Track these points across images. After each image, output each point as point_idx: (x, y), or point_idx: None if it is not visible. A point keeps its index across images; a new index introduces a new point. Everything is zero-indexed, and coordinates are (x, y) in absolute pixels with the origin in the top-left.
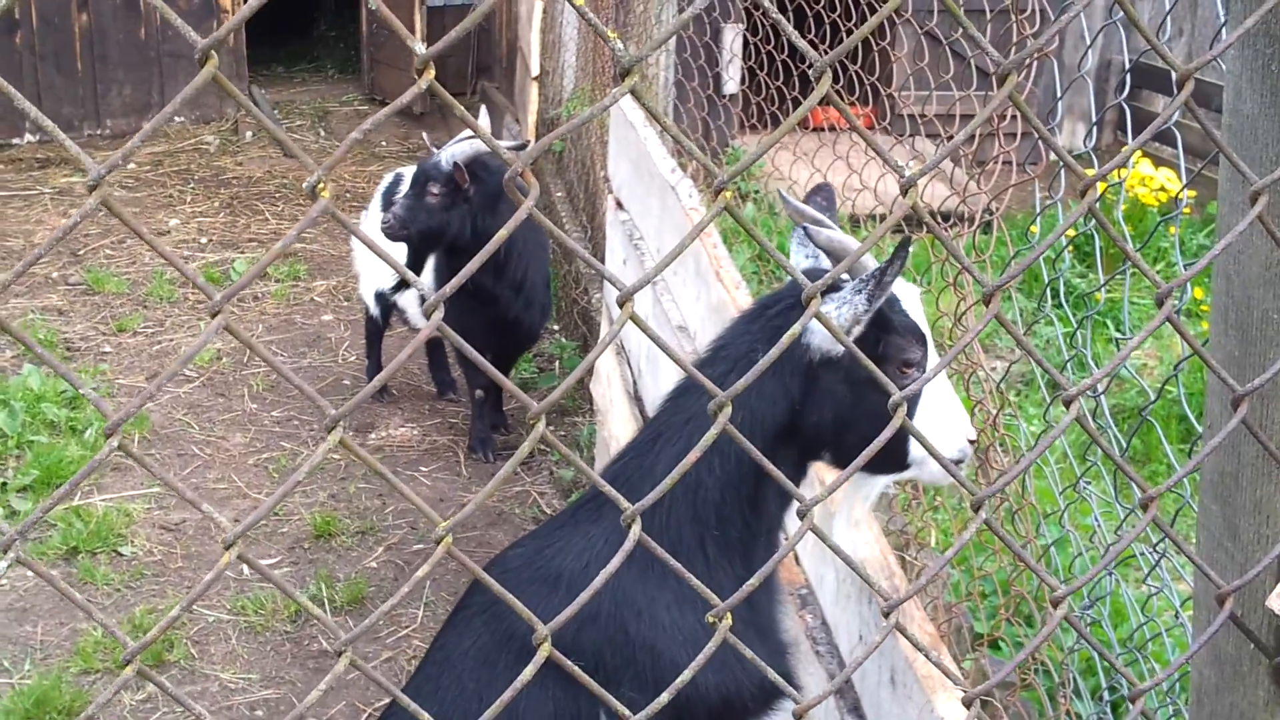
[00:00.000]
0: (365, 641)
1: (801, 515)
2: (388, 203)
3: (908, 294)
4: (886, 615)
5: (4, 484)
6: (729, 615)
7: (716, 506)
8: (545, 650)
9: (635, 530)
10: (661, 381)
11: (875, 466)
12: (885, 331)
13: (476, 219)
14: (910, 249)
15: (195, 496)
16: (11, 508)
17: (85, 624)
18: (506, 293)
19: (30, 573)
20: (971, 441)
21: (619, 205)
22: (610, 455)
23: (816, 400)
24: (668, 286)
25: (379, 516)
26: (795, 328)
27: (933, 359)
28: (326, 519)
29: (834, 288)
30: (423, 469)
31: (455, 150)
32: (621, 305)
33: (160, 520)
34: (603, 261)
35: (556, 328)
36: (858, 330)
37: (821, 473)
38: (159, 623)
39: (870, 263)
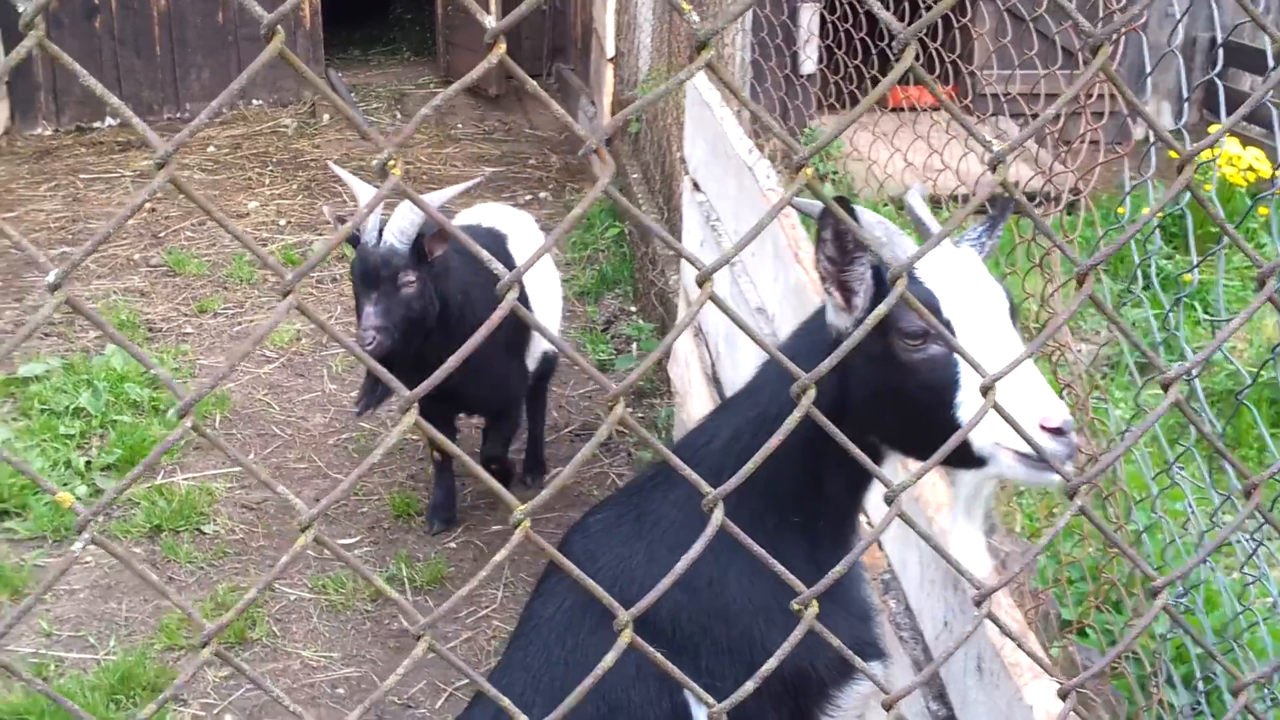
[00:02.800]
0: (445, 622)
1: (889, 500)
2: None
3: (956, 259)
4: (978, 604)
5: (88, 463)
6: (814, 602)
7: (770, 484)
8: (627, 637)
9: (717, 515)
10: (740, 364)
11: (948, 459)
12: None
13: (436, 286)
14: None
15: (270, 478)
16: (96, 486)
17: (168, 601)
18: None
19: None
20: (1055, 430)
21: (695, 186)
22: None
23: (850, 381)
24: (745, 268)
25: (458, 498)
26: (881, 308)
27: (984, 332)
28: (405, 499)
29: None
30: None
31: (402, 225)
32: (701, 285)
33: (242, 499)
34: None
35: (634, 309)
36: (859, 303)
37: (909, 464)
38: (238, 603)
39: (873, 228)
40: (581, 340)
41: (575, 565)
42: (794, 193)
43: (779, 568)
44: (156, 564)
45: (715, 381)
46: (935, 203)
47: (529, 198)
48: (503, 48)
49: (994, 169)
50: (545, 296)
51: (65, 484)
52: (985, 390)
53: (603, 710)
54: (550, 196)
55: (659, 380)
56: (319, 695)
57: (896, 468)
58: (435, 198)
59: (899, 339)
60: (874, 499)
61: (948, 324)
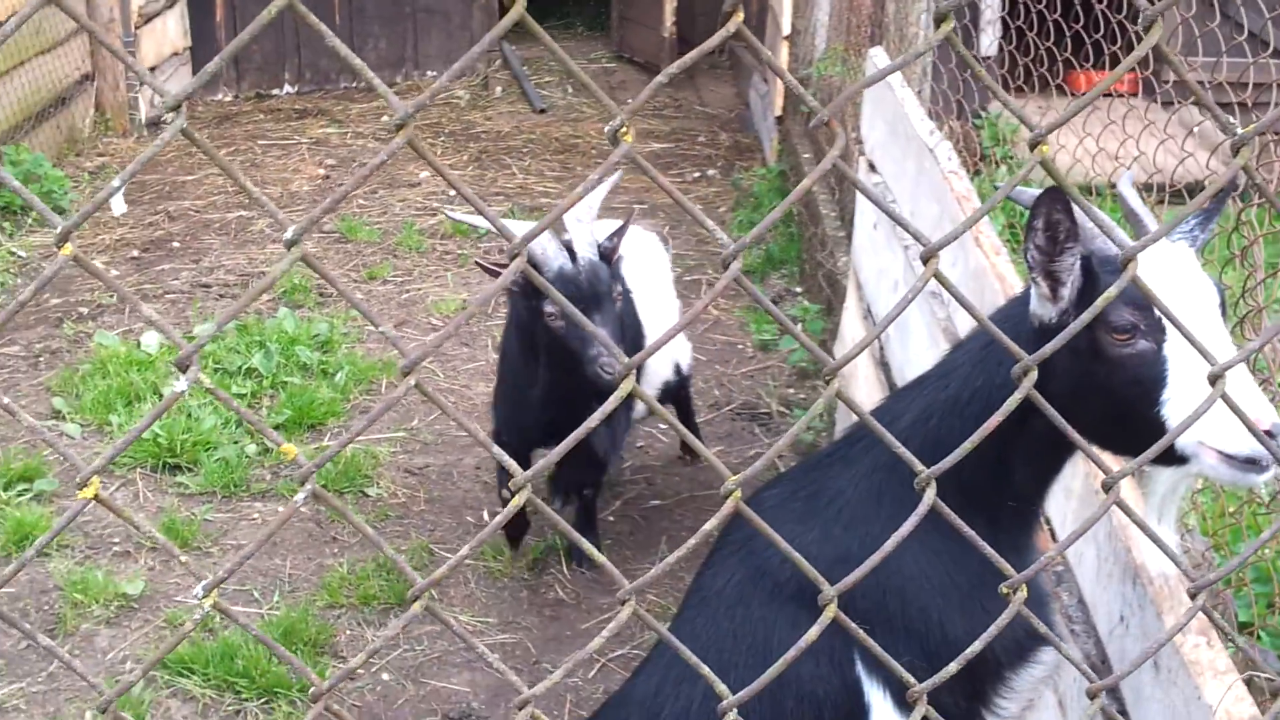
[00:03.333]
0: (599, 594)
1: (1106, 488)
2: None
3: (1169, 252)
4: (1193, 596)
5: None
6: (1023, 588)
7: (959, 469)
8: (831, 612)
9: (930, 495)
10: (911, 349)
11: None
12: (1095, 294)
13: None
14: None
15: (484, 439)
16: (265, 445)
17: (331, 560)
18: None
19: (280, 508)
20: (1266, 432)
21: (871, 168)
22: (850, 421)
23: (1051, 374)
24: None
25: (616, 472)
26: (1111, 291)
27: (1197, 328)
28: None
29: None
30: (660, 425)
31: (587, 239)
32: (926, 262)
33: (405, 464)
34: (851, 226)
35: (800, 290)
36: (1067, 294)
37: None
38: (398, 566)
39: (1084, 219)
40: (746, 319)
41: (751, 538)
42: (1030, 169)
43: (988, 550)
44: (321, 524)
45: (883, 365)
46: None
47: (696, 175)
48: (740, 16)
49: (1236, 151)
50: (660, 314)
51: (235, 442)
52: (1214, 379)
53: (772, 685)
54: (718, 174)
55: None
56: (473, 659)
57: (1078, 466)
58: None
59: (1106, 333)
60: (1053, 497)
61: (1157, 320)
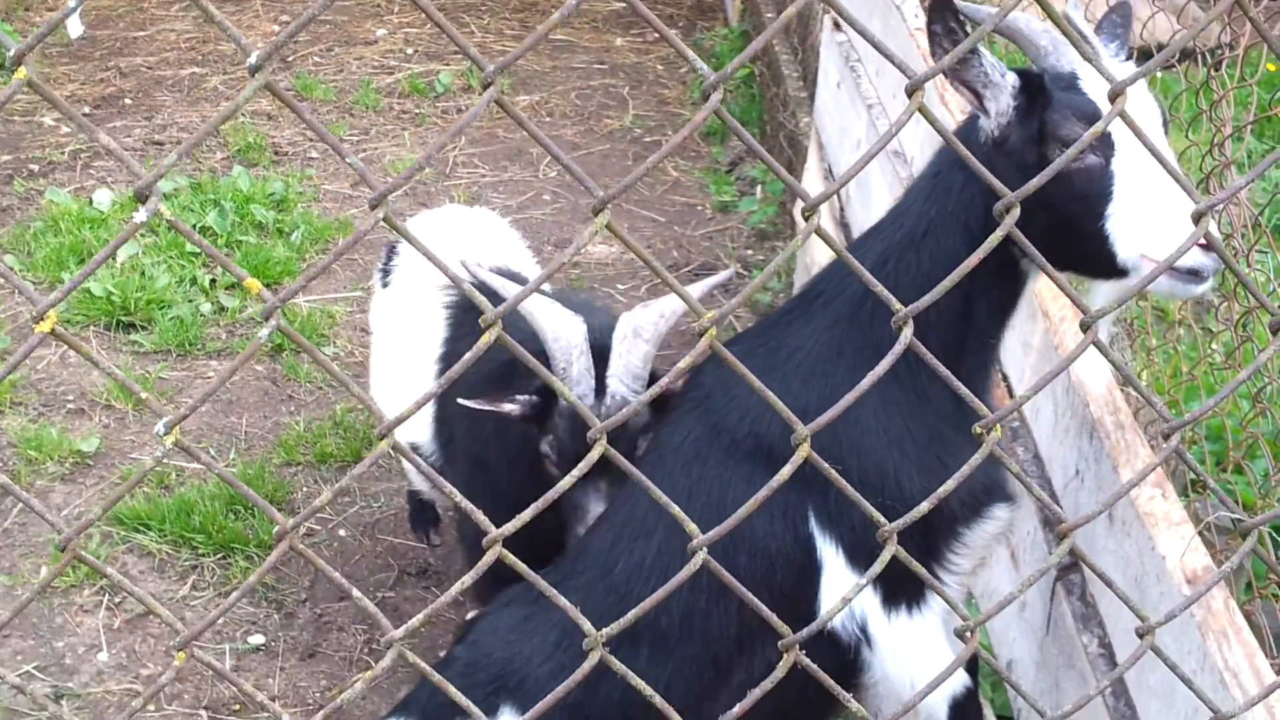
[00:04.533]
0: None
1: (1085, 327)
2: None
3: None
4: (1167, 437)
5: (213, 280)
6: (997, 428)
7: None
8: (804, 451)
9: (907, 333)
10: (872, 208)
11: (1088, 269)
12: (1043, 109)
13: None
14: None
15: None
16: (220, 304)
17: (288, 418)
18: None
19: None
20: (1204, 245)
21: (836, 25)
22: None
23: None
24: (885, 110)
25: None
26: (1098, 126)
27: (1135, 156)
28: None
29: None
30: (619, 286)
31: (633, 364)
32: (910, 94)
33: (360, 323)
34: (814, 86)
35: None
36: (1009, 105)
37: (1043, 303)
38: (354, 422)
39: (1036, 37)
40: (706, 180)
41: (709, 396)
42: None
43: (963, 389)
44: (277, 382)
45: (843, 225)
46: None
47: (656, 36)
48: None
49: None
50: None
51: (190, 300)
52: (1199, 217)
53: (725, 542)
54: (679, 34)
55: (782, 223)
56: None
57: (1032, 300)
58: (696, 289)
59: (1057, 148)
60: (1009, 345)
61: (1107, 136)
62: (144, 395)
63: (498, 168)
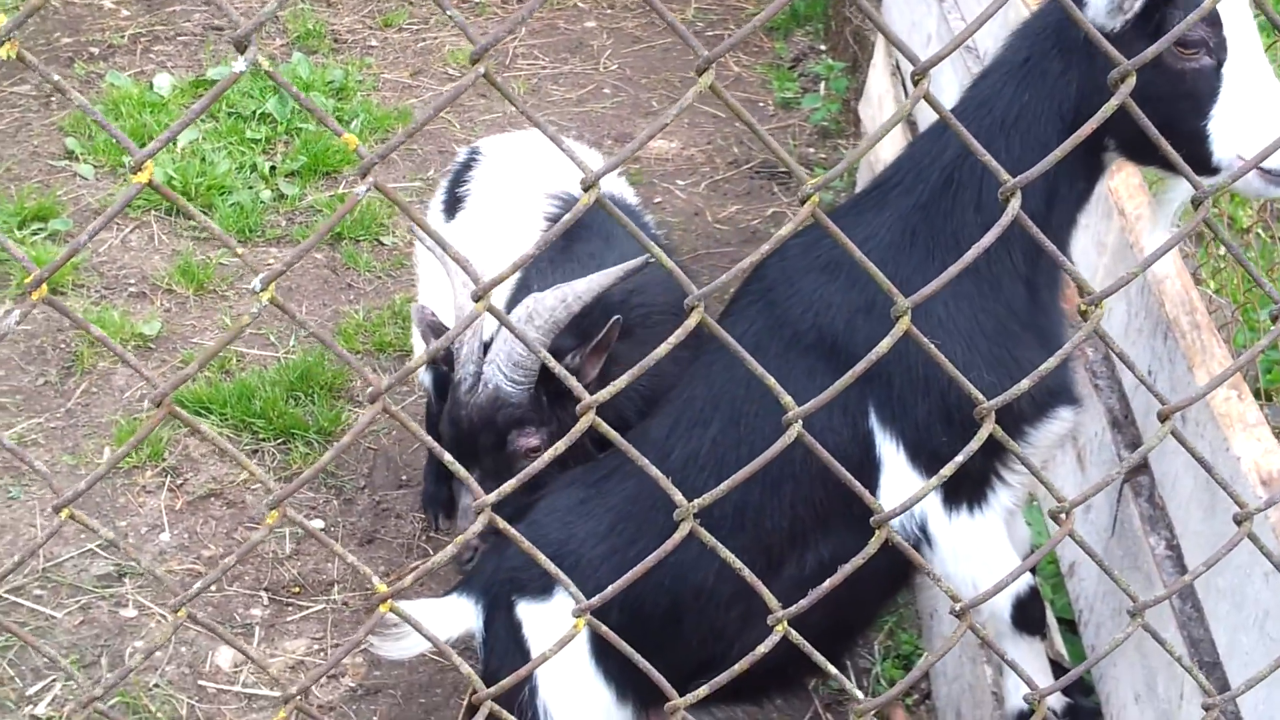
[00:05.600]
0: None
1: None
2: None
3: None
4: (1275, 319)
5: (273, 168)
6: (1102, 304)
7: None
8: (905, 324)
9: (1014, 204)
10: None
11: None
12: (1164, 2)
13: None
14: None
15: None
16: (280, 191)
17: (347, 306)
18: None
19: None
20: None
21: None
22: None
23: (1098, 80)
24: (957, 3)
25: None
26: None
27: (1243, 61)
28: None
29: None
30: (679, 182)
31: (512, 352)
32: None
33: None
34: None
35: (824, 47)
36: (1132, 1)
37: (1122, 166)
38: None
39: None
40: (768, 76)
41: (771, 289)
42: None
43: (1067, 264)
44: (336, 270)
45: (911, 124)
46: None
47: None
48: None
49: None
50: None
51: (250, 187)
52: None
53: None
54: None
55: (845, 121)
56: None
57: (1107, 198)
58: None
59: (1175, 45)
60: (1083, 245)
61: (1224, 40)
62: (239, 251)
63: (558, 59)
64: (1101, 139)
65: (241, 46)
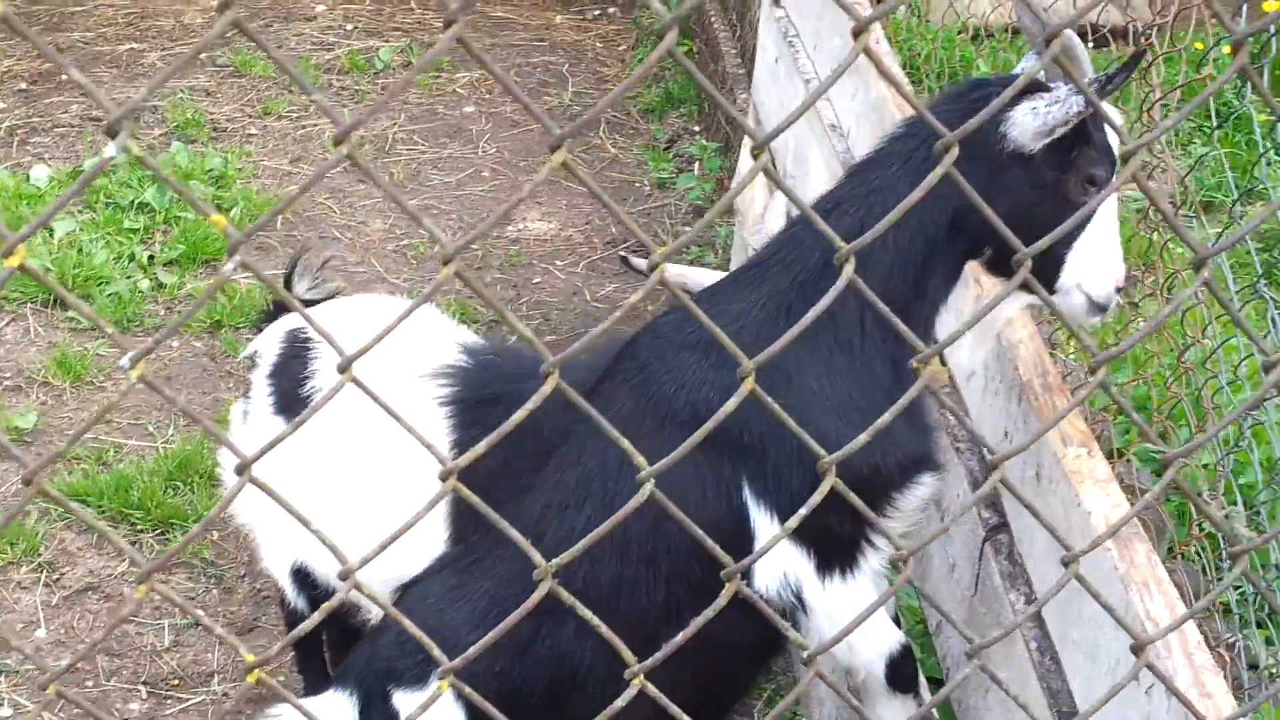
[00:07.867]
0: None
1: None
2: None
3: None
4: (1094, 371)
5: (151, 257)
6: (934, 361)
7: (884, 279)
8: (749, 385)
9: (848, 270)
10: (811, 184)
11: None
12: (1083, 143)
13: None
14: (1139, 63)
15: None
16: (158, 280)
17: (226, 394)
18: None
19: (175, 342)
20: (1119, 289)
21: (775, 2)
22: (747, 258)
23: (996, 193)
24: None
25: (513, 307)
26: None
27: (1110, 201)
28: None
29: (1044, 87)
30: (558, 263)
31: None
32: (856, 36)
33: None
34: (752, 63)
35: (698, 128)
36: (1061, 132)
37: (977, 272)
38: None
39: (1089, 69)
40: (644, 157)
41: (645, 367)
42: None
43: (901, 326)
44: (215, 359)
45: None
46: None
47: (597, 13)
48: None
49: None
50: None
51: (129, 277)
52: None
53: (655, 512)
54: (619, 12)
55: (720, 199)
56: None
57: (969, 289)
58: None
59: (1080, 180)
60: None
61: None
62: (109, 330)
63: (437, 144)
64: (981, 247)
65: (112, 132)
